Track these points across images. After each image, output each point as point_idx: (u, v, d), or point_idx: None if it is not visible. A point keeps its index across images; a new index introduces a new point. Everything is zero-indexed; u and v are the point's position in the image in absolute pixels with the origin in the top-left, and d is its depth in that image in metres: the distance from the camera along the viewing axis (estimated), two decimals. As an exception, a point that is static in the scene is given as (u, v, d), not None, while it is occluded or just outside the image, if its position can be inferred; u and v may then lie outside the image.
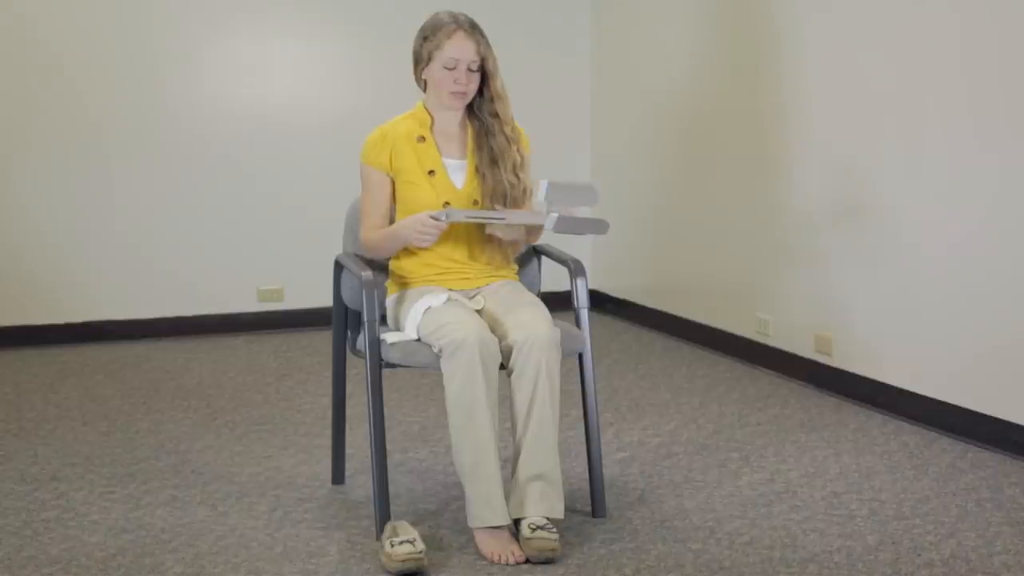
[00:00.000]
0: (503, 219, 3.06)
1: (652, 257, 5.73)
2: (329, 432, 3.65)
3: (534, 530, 2.88)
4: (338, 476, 3.47)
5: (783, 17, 4.65)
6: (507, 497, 2.93)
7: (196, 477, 3.54)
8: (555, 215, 2.97)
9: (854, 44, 4.26)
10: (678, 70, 5.40)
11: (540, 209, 3.07)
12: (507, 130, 3.17)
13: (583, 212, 3.06)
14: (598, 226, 3.08)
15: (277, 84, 5.64)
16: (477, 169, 3.18)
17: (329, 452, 3.59)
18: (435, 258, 3.18)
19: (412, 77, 3.23)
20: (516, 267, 3.31)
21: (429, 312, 3.00)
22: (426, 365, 2.98)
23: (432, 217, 3.00)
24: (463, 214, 3.04)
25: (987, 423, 3.76)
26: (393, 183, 3.19)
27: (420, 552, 2.80)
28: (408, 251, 3.20)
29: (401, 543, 2.81)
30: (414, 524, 3.07)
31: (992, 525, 3.11)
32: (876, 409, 4.20)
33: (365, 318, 3.00)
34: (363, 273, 3.05)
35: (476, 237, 3.19)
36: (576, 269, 3.20)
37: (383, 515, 2.98)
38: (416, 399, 4.40)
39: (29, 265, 5.37)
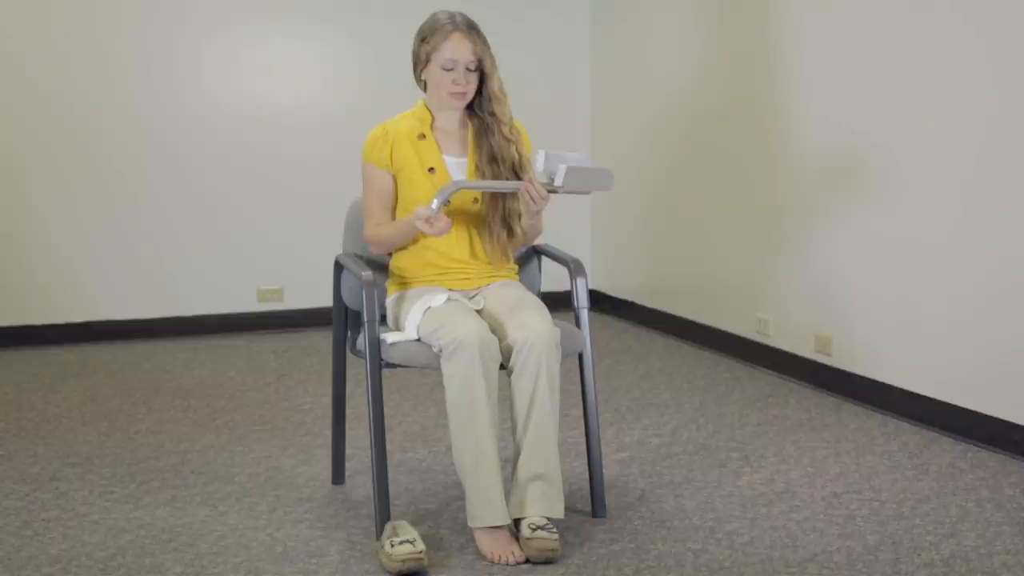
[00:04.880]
0: (514, 187, 3.05)
1: (652, 257, 5.73)
2: (329, 432, 3.64)
3: (534, 530, 2.88)
4: (338, 476, 3.47)
5: (782, 14, 4.65)
6: (507, 497, 2.93)
7: (196, 477, 3.54)
8: (564, 166, 2.94)
9: (854, 42, 4.26)
10: (677, 69, 5.40)
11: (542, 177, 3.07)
12: (505, 130, 3.16)
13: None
14: (603, 178, 3.02)
15: (277, 84, 5.64)
16: (477, 167, 3.18)
17: (329, 452, 3.59)
18: (435, 258, 3.18)
19: (412, 77, 3.23)
20: (516, 267, 3.31)
21: (429, 312, 2.99)
22: (426, 365, 2.97)
23: (439, 193, 2.98)
24: (472, 183, 3.04)
25: (987, 423, 3.76)
26: (395, 180, 3.19)
27: (420, 552, 2.80)
28: (408, 251, 3.20)
29: (401, 543, 2.81)
30: (414, 524, 3.07)
31: (992, 525, 3.11)
32: (876, 409, 4.20)
33: (365, 318, 3.00)
34: (363, 273, 3.05)
35: (476, 236, 3.20)
36: (576, 269, 3.20)
37: (383, 515, 2.97)
38: (416, 399, 4.40)
39: (29, 265, 5.37)
